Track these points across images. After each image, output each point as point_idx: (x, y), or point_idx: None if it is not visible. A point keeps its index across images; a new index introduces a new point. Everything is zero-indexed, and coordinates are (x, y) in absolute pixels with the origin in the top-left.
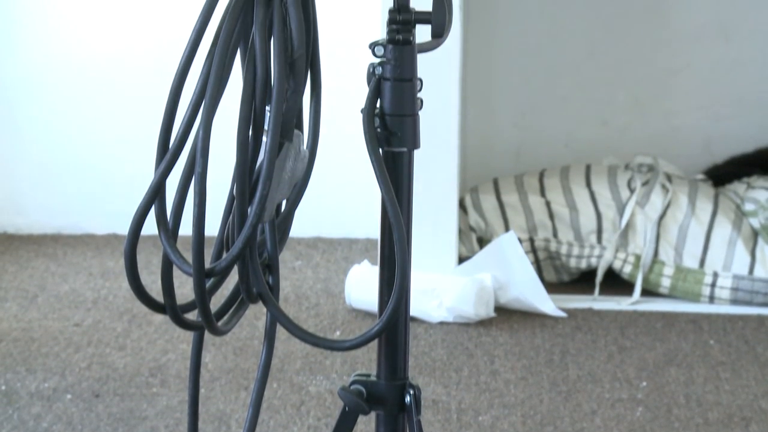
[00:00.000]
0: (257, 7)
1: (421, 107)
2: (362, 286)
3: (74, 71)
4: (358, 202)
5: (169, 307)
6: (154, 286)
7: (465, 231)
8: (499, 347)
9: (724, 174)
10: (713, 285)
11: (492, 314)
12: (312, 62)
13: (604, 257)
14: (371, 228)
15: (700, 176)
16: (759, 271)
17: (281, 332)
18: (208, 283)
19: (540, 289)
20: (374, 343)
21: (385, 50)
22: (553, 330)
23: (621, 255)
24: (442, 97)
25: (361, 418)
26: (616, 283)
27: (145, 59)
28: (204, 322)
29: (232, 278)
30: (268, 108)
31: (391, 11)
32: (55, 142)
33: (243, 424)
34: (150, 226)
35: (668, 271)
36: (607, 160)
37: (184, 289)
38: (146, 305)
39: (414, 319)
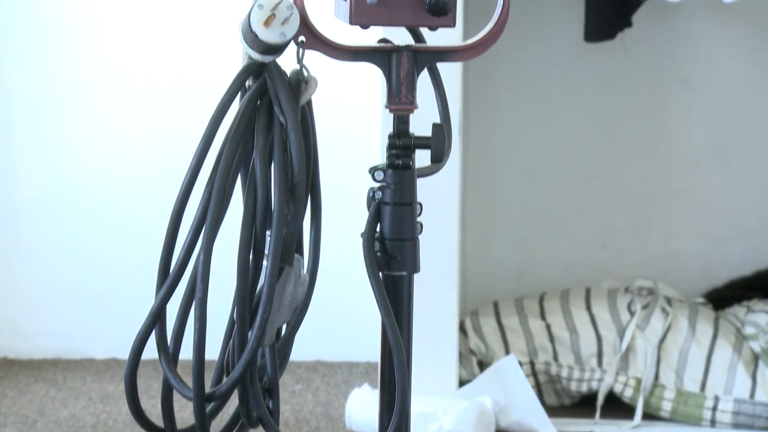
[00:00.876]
0: (258, 133)
1: (420, 231)
2: (363, 409)
3: (73, 194)
4: (358, 326)
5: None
6: (154, 410)
7: (465, 354)
8: None
9: (724, 297)
10: (714, 409)
11: None
12: (312, 187)
13: (604, 381)
14: (372, 351)
15: (700, 300)
16: (760, 395)
17: None
18: (209, 408)
19: (541, 413)
20: None
21: (384, 175)
22: None
23: (622, 378)
24: (441, 221)
25: None
26: (617, 406)
27: (146, 183)
28: None
29: (233, 402)
30: (268, 232)
31: (390, 136)
32: (55, 266)
33: None
34: (150, 351)
35: (669, 394)
36: (607, 283)
37: (185, 413)
38: (146, 430)
39: None
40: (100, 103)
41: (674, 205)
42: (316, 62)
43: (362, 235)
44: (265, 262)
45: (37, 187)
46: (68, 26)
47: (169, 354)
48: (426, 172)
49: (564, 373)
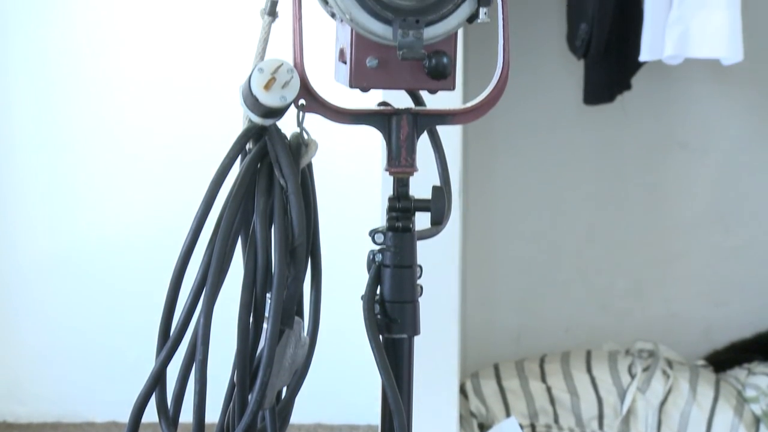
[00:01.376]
0: (258, 196)
1: (421, 294)
2: None
3: (73, 258)
4: (358, 389)
5: None
6: None
7: (466, 417)
8: None
9: (725, 360)
10: None
11: None
12: (312, 249)
13: None
14: (372, 414)
15: (701, 362)
16: None
17: None
18: None
19: None
20: None
21: (385, 237)
22: None
23: None
24: (441, 283)
25: None
26: None
27: (147, 246)
28: None
29: None
30: (268, 295)
31: (390, 199)
32: (54, 330)
33: None
34: (151, 414)
35: None
36: (607, 345)
37: None
38: None
39: None
40: (100, 166)
41: (674, 268)
42: (316, 125)
43: (362, 297)
44: (265, 325)
45: (38, 250)
46: (67, 90)
47: (169, 417)
48: (426, 235)
49: None
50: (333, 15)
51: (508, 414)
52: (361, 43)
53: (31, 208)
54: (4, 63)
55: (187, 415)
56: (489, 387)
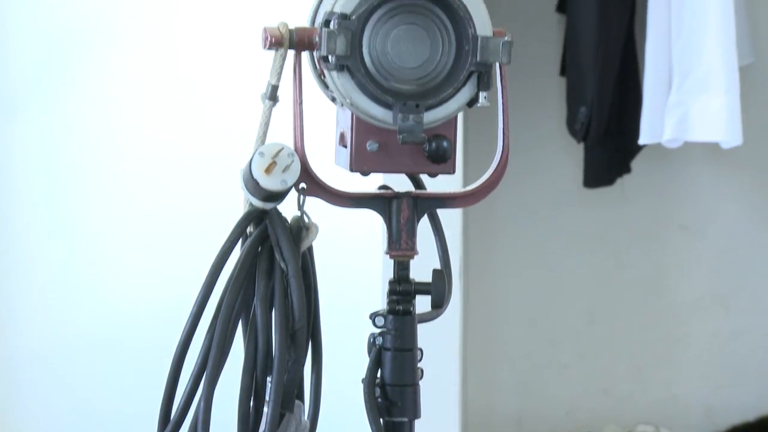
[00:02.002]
0: (259, 280)
1: (421, 377)
2: None
3: (72, 345)
4: None
5: None
6: None
7: None
8: None
9: None
10: None
11: None
12: (313, 332)
13: None
14: None
15: None
16: None
17: None
18: None
19: None
20: None
21: (385, 320)
22: None
23: None
24: (442, 366)
25: None
26: None
27: (147, 330)
28: None
29: None
30: (269, 379)
31: (391, 282)
32: (52, 419)
33: None
34: None
35: None
36: (608, 428)
37: None
38: None
39: None
40: (98, 252)
41: (675, 350)
42: (316, 208)
43: (363, 380)
44: (265, 409)
45: (36, 337)
46: (63, 187)
47: None
48: (427, 318)
49: None
50: (333, 99)
51: None
52: (362, 127)
53: (28, 292)
54: (9, 156)
55: None
56: None
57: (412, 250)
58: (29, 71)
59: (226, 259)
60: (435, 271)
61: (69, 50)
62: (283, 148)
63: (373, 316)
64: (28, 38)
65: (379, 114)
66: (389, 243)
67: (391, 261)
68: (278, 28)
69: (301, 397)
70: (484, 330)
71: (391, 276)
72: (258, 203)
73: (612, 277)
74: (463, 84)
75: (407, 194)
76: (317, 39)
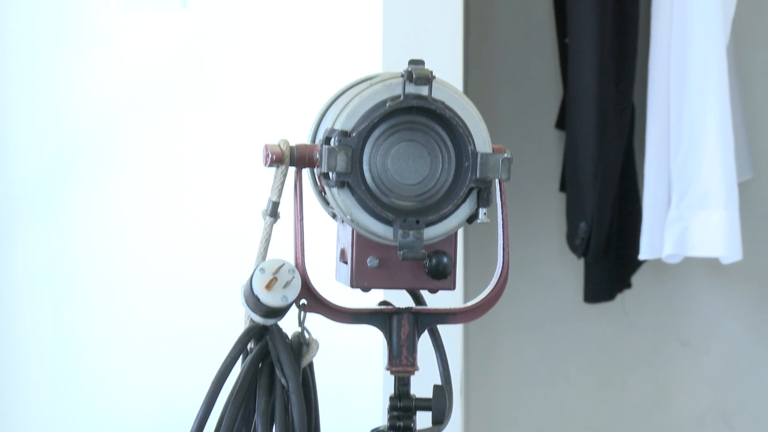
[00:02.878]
0: (259, 396)
1: None
2: None
3: None
4: None
5: None
6: None
7: None
8: None
9: None
10: None
11: None
12: None
13: None
14: None
15: None
16: None
17: None
18: None
19: None
20: None
21: None
22: None
23: None
24: None
25: None
26: None
27: None
28: None
29: None
30: None
31: (391, 398)
32: None
33: None
34: None
35: None
36: None
37: None
38: None
39: None
40: (99, 368)
41: None
42: (317, 323)
43: None
44: None
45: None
46: (64, 302)
47: None
48: None
49: None
50: (334, 216)
51: None
52: (362, 243)
53: (33, 410)
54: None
55: None
56: None
57: (412, 366)
58: (31, 187)
59: (227, 375)
60: (436, 387)
61: (70, 167)
62: (283, 264)
63: None
64: (31, 155)
65: (380, 230)
66: (390, 359)
67: (392, 376)
68: (279, 145)
69: None
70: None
71: (392, 391)
72: (259, 319)
73: (613, 393)
74: (463, 200)
75: (408, 310)
76: (318, 156)
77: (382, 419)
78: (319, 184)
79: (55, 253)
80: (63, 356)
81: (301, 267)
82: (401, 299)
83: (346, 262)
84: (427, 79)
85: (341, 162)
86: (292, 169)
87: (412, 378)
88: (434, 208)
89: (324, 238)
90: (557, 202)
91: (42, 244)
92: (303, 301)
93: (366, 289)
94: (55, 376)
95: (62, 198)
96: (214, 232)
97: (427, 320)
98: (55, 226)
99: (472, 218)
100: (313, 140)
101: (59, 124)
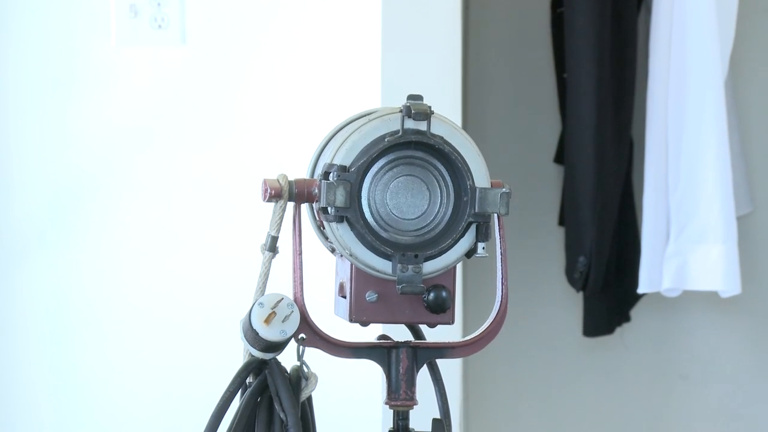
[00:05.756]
0: (258, 430)
1: None
2: None
3: None
4: None
5: None
6: None
7: None
8: None
9: None
10: None
11: None
12: None
13: None
14: None
15: None
16: None
17: None
18: None
19: None
20: None
21: None
22: None
23: None
24: None
25: None
26: None
27: None
28: None
29: None
30: None
31: None
32: None
33: None
34: None
35: None
36: None
37: None
38: None
39: None
40: (100, 405)
41: None
42: (316, 357)
43: None
44: None
45: None
46: (66, 324)
47: None
48: None
49: None
50: (333, 250)
51: None
52: (361, 278)
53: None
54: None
55: None
56: None
57: (411, 400)
58: (30, 223)
59: (226, 410)
60: (435, 421)
61: (68, 203)
62: (282, 299)
63: None
64: (29, 191)
65: (378, 265)
66: (388, 393)
67: (391, 411)
68: (278, 180)
69: None
70: None
71: (391, 425)
72: (258, 353)
73: (613, 426)
74: (462, 235)
75: (406, 344)
76: (316, 191)
77: None
78: (317, 218)
79: (51, 292)
80: (65, 394)
81: (299, 301)
82: (400, 333)
83: (344, 297)
84: (426, 114)
85: (340, 197)
86: (290, 204)
87: (411, 412)
88: (433, 243)
89: (323, 273)
90: (556, 236)
91: (34, 284)
92: (302, 335)
93: (365, 324)
94: (57, 411)
95: (61, 233)
96: (214, 266)
97: (426, 354)
98: (49, 267)
99: (470, 253)
100: (312, 175)
101: (55, 161)
